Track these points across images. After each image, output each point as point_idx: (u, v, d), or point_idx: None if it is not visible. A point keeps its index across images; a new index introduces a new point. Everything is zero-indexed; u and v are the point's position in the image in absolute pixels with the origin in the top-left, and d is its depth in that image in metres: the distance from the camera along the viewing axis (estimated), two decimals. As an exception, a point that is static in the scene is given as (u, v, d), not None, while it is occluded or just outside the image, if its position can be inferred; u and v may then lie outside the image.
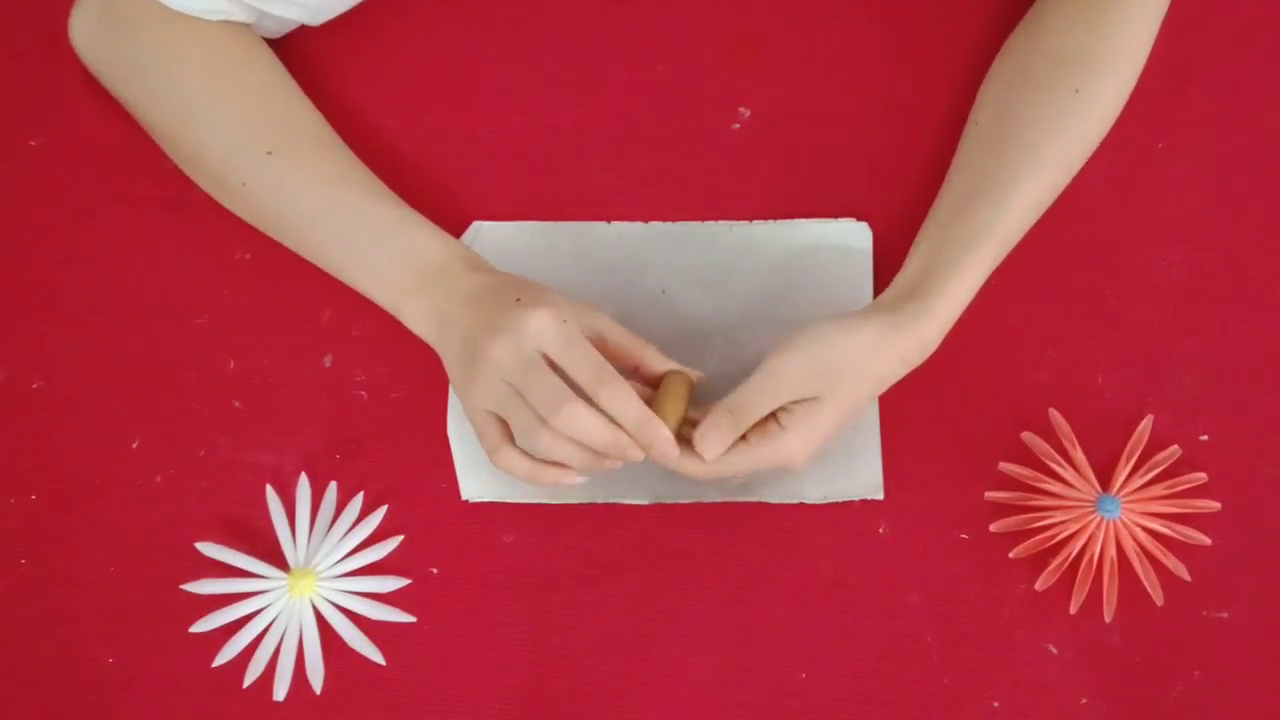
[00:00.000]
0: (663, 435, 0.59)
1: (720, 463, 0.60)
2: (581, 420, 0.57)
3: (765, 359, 0.61)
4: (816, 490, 0.67)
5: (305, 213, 0.66)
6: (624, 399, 0.58)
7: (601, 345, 0.60)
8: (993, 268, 0.64)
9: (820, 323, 0.61)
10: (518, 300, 0.60)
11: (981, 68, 0.71)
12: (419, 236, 0.65)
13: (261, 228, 0.68)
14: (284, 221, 0.67)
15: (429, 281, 0.63)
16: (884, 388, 0.62)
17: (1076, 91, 0.65)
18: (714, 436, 0.59)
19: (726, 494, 0.67)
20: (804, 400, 0.60)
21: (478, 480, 0.68)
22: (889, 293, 0.63)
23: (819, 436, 0.60)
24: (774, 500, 0.67)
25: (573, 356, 0.58)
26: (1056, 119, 0.65)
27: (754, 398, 0.60)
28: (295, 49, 0.73)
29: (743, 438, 0.60)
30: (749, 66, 0.73)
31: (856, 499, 0.67)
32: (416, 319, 0.64)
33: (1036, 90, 0.66)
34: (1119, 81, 0.66)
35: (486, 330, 0.59)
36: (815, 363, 0.60)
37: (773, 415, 0.60)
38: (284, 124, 0.67)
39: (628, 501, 0.67)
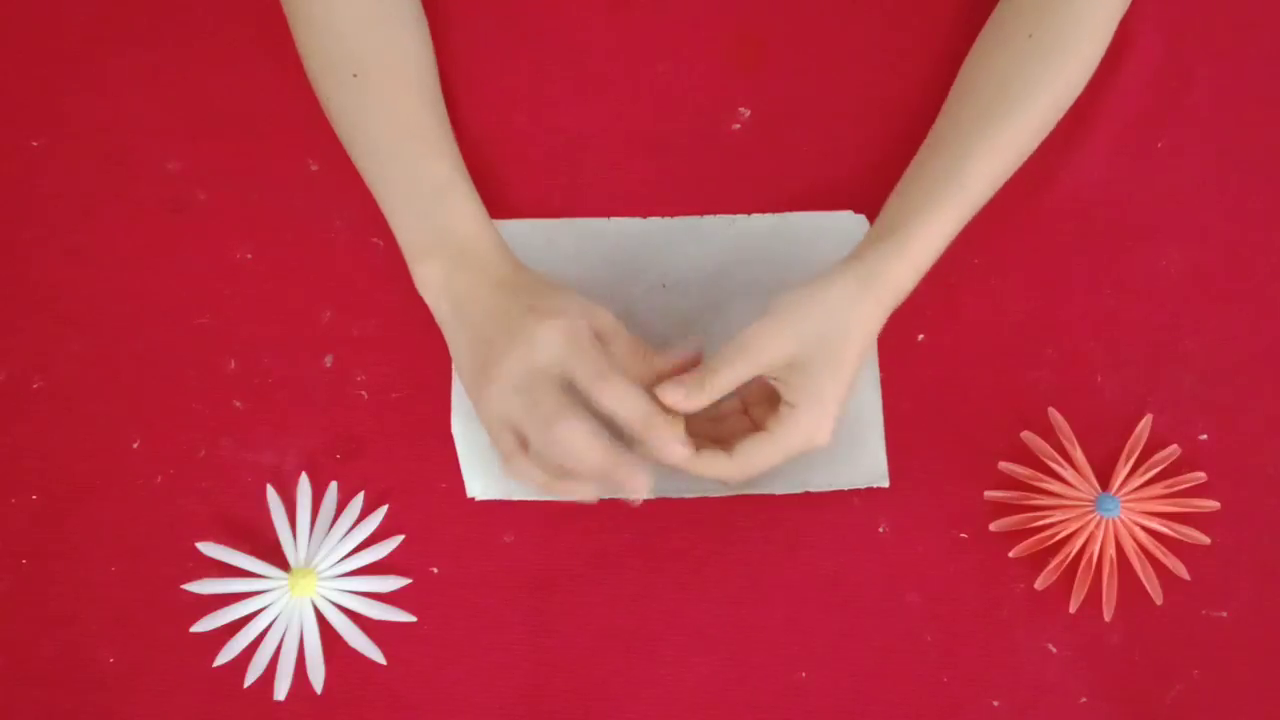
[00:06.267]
0: (671, 432, 0.57)
1: (746, 458, 0.59)
2: (575, 437, 0.56)
3: (743, 329, 0.60)
4: (822, 479, 0.67)
5: (368, 147, 0.66)
6: (625, 394, 0.57)
7: (615, 348, 0.60)
8: (962, 216, 0.63)
9: (794, 289, 0.60)
10: (531, 308, 0.59)
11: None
12: (458, 209, 0.64)
13: (340, 139, 0.68)
14: (351, 147, 0.67)
15: (454, 257, 0.63)
16: (873, 337, 0.61)
17: (1030, 36, 0.65)
18: (674, 388, 0.58)
19: (730, 488, 0.67)
20: (797, 371, 0.59)
21: (483, 478, 0.68)
22: (859, 246, 0.63)
23: (830, 403, 0.59)
24: (779, 491, 0.67)
25: (576, 361, 0.58)
26: (1021, 69, 0.65)
27: (727, 361, 0.58)
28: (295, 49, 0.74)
29: (763, 429, 0.59)
30: (749, 66, 0.73)
31: (862, 487, 0.67)
32: (430, 290, 0.63)
33: (1002, 44, 0.66)
34: (1089, 33, 0.66)
35: (502, 336, 0.59)
36: (794, 329, 0.59)
37: (779, 400, 0.60)
38: (380, 50, 0.67)
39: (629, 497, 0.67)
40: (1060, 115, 0.67)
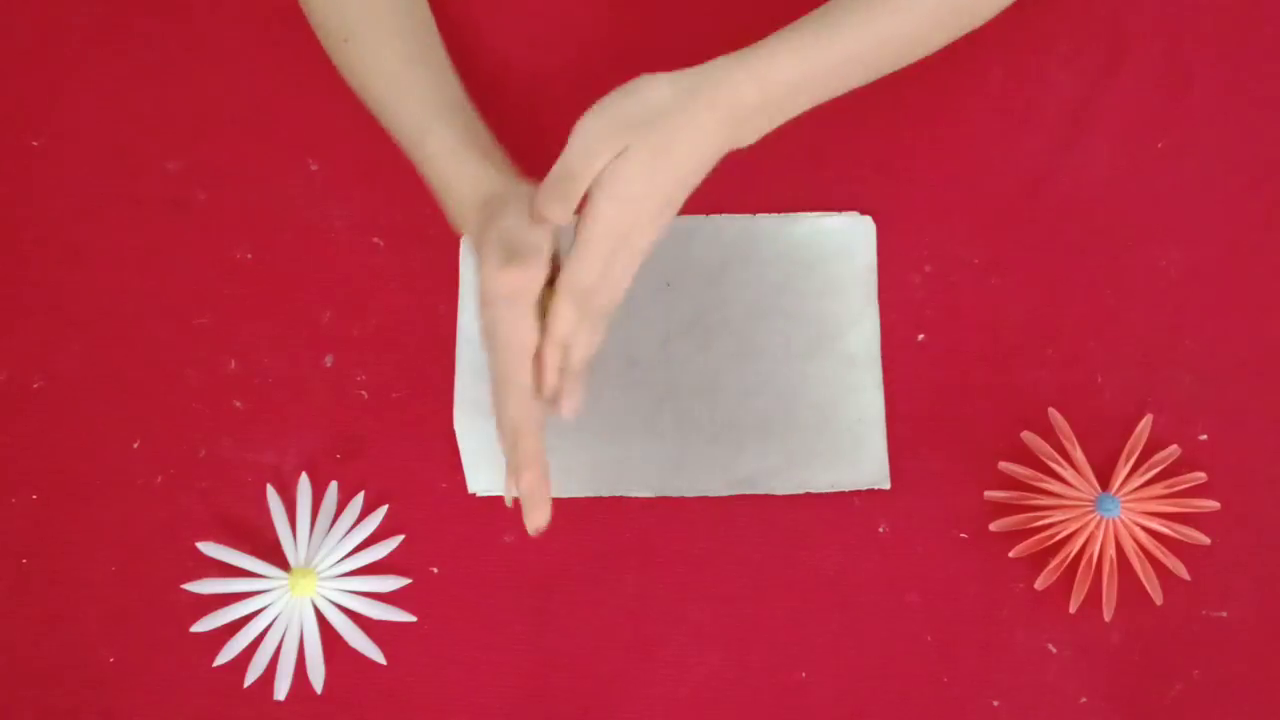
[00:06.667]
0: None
1: (563, 279, 0.57)
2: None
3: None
4: (823, 480, 0.67)
5: (373, 105, 0.67)
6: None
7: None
8: (827, 60, 0.60)
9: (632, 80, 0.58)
10: (507, 260, 0.58)
11: (982, 63, 0.71)
12: (433, 155, 0.63)
13: (353, 88, 0.68)
14: (364, 104, 0.68)
15: (452, 202, 0.63)
16: (703, 150, 0.58)
17: None
18: (547, 203, 0.56)
19: (731, 488, 0.67)
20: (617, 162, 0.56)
21: (485, 474, 0.68)
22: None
23: (636, 191, 0.56)
24: (780, 492, 0.67)
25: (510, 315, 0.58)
26: None
27: (568, 157, 0.56)
28: (296, 47, 0.73)
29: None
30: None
31: (864, 488, 0.67)
32: (459, 222, 0.63)
33: None
34: None
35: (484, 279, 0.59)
36: (622, 113, 0.56)
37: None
38: (366, 14, 0.67)
39: (632, 495, 0.67)
40: (971, 18, 0.64)
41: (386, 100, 0.66)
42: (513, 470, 0.59)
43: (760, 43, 0.60)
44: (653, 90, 0.57)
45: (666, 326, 0.69)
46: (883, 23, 0.61)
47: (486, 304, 0.58)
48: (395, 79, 0.66)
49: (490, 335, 0.59)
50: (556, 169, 0.57)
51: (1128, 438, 0.67)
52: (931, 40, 0.64)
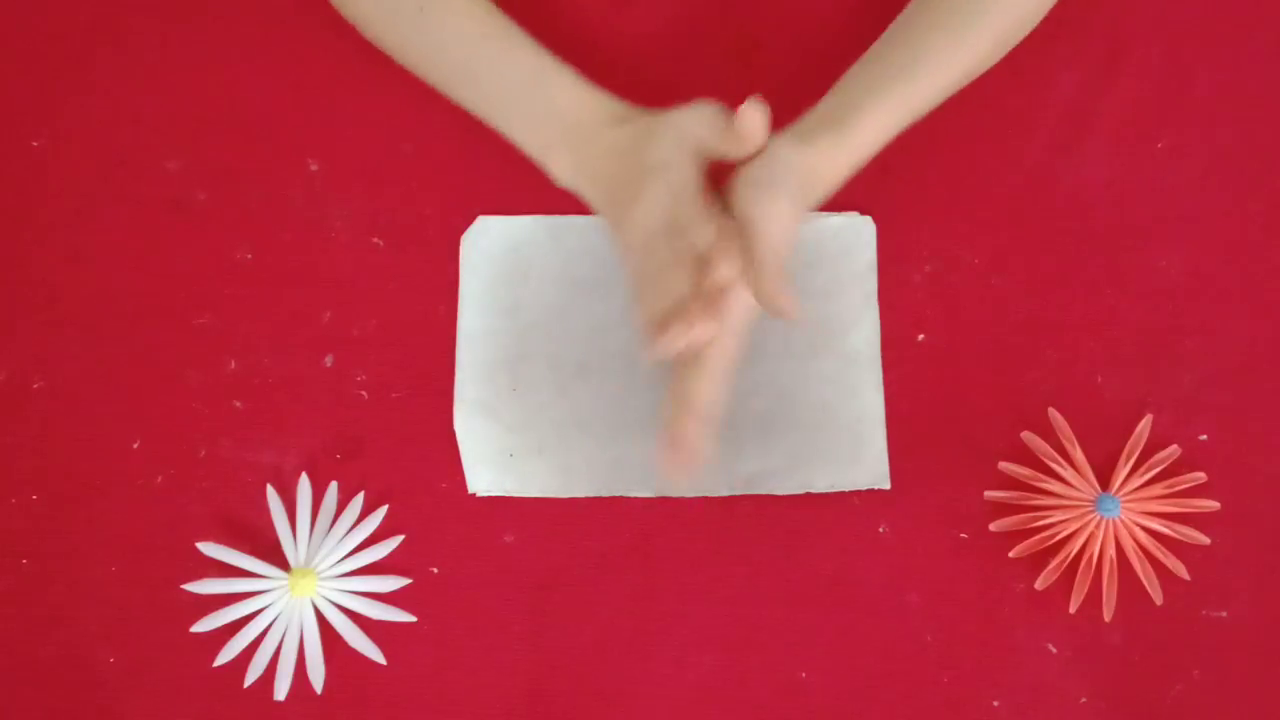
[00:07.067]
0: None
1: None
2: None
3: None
4: (823, 480, 0.67)
5: (453, 70, 0.67)
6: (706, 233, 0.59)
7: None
8: (907, 113, 0.64)
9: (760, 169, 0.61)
10: (643, 169, 0.60)
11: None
12: (556, 93, 0.65)
13: (419, 74, 0.69)
14: (437, 76, 0.68)
15: (569, 138, 0.64)
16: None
17: None
18: (773, 288, 0.57)
19: (732, 488, 0.67)
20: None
21: (485, 474, 0.68)
22: (802, 125, 0.63)
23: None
24: (781, 492, 0.67)
25: (679, 213, 0.59)
26: None
27: (776, 247, 0.58)
28: (297, 47, 0.73)
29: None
30: (748, 66, 0.73)
31: (864, 488, 0.67)
32: (565, 178, 0.64)
33: None
34: None
35: (626, 199, 0.60)
36: (789, 191, 0.60)
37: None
38: None
39: (633, 495, 0.67)
40: (1026, 29, 0.67)
41: (479, 59, 0.66)
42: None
43: (848, 111, 0.62)
44: (788, 162, 0.60)
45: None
46: (965, 52, 0.65)
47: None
48: (485, 39, 0.66)
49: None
50: (772, 261, 0.57)
51: (1128, 438, 0.67)
52: (1001, 52, 0.67)
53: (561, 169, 0.64)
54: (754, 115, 0.58)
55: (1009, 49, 0.67)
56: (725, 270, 0.59)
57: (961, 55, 0.65)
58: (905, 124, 0.64)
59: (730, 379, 0.61)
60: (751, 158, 0.61)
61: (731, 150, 0.60)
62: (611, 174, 0.62)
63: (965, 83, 0.66)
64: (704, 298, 0.58)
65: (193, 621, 0.66)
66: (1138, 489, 0.66)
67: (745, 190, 0.59)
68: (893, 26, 0.67)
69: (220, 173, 0.73)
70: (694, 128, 0.61)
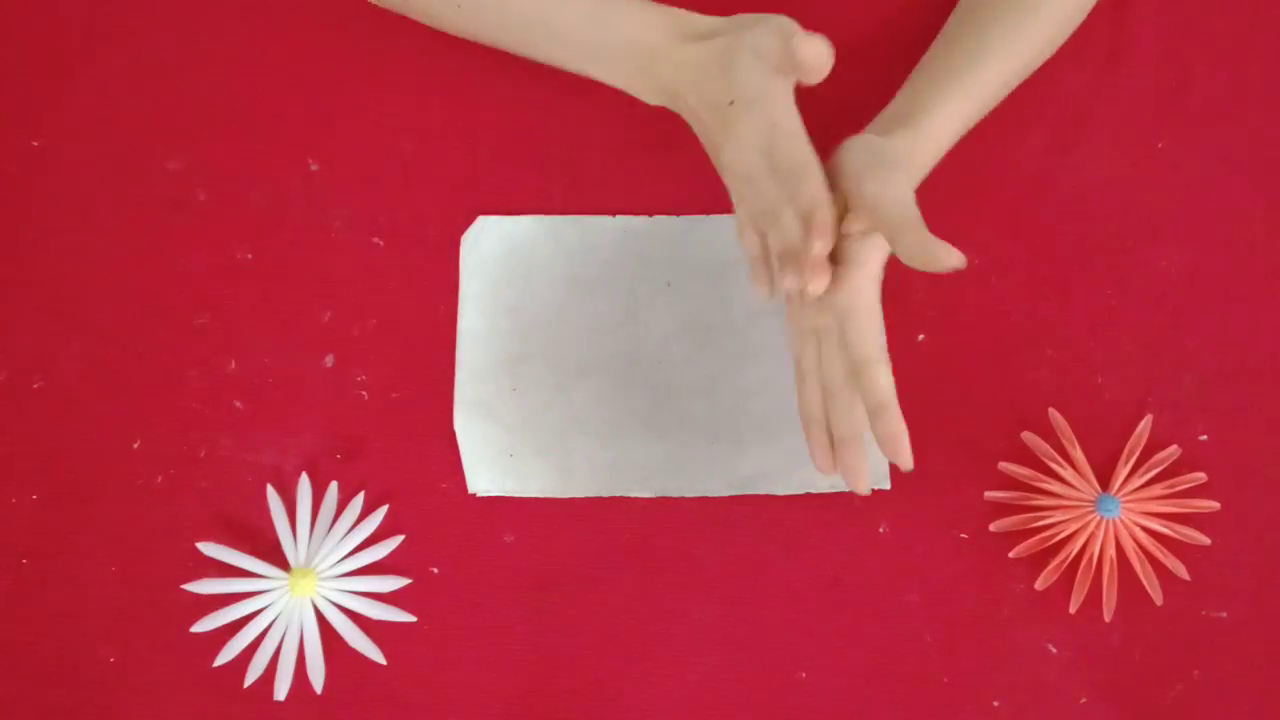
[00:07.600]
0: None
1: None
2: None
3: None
4: (824, 480, 0.67)
5: (520, 26, 0.67)
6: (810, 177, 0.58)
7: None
8: (974, 112, 0.65)
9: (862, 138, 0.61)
10: (730, 103, 0.60)
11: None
12: (622, 20, 0.65)
13: (486, 39, 0.69)
14: (504, 32, 0.68)
15: (646, 64, 0.64)
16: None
17: None
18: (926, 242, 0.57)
19: (732, 488, 0.67)
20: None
21: (485, 474, 0.68)
22: (876, 124, 0.64)
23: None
24: (781, 492, 0.67)
25: (775, 147, 0.59)
26: None
27: (907, 207, 0.58)
28: (297, 47, 0.73)
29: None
30: None
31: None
32: (651, 97, 0.65)
33: None
34: None
35: (717, 127, 0.61)
36: (898, 168, 0.60)
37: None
38: None
39: (632, 495, 0.67)
40: (1080, 18, 0.68)
41: (541, 7, 0.66)
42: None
43: (917, 110, 0.63)
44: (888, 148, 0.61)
45: (666, 326, 0.70)
46: (1024, 46, 0.66)
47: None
48: None
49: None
50: (910, 217, 0.57)
51: (1128, 438, 0.67)
52: (1056, 44, 0.68)
53: (648, 94, 0.65)
54: (816, 45, 0.58)
55: (1067, 36, 0.68)
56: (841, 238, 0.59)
57: (1021, 46, 0.66)
58: (976, 116, 0.65)
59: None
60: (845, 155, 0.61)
61: (802, 76, 0.60)
62: (698, 95, 0.62)
63: (1027, 74, 0.67)
64: (817, 259, 0.58)
65: (193, 621, 0.66)
66: (1138, 489, 0.66)
67: (854, 172, 0.59)
68: (952, 22, 0.68)
69: (220, 173, 0.73)
70: (773, 44, 0.60)
